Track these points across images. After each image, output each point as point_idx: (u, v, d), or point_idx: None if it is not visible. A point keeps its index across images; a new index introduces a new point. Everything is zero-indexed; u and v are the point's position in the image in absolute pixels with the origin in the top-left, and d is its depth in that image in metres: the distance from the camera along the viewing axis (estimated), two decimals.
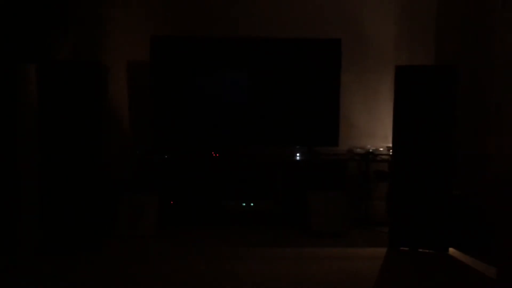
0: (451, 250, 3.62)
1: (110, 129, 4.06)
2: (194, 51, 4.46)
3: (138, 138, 4.60)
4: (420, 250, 3.62)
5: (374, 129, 4.69)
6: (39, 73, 3.51)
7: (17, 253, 3.47)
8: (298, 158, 4.45)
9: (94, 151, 3.57)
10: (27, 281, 3.00)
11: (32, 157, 3.60)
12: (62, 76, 3.52)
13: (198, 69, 4.47)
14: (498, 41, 3.71)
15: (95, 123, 3.57)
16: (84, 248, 3.53)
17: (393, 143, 3.71)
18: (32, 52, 3.86)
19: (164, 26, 4.60)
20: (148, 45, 4.37)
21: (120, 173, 4.33)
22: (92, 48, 4.50)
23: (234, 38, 4.49)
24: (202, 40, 4.47)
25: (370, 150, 4.39)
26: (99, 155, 3.59)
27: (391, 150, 3.95)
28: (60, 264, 3.27)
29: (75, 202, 3.54)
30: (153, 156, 4.34)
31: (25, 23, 3.85)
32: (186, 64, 4.45)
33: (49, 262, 3.31)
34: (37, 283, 2.97)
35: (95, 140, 3.57)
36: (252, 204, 4.31)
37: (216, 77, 4.50)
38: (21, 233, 3.63)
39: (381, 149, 4.41)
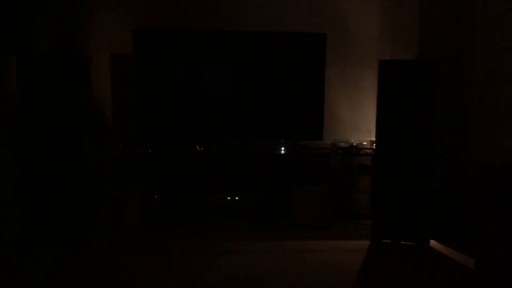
0: (432, 242, 3.68)
1: (93, 122, 4.01)
2: (179, 44, 4.42)
3: (121, 131, 4.55)
4: (402, 242, 3.68)
5: (358, 123, 4.74)
6: (19, 65, 3.43)
7: None
8: (282, 152, 4.46)
9: (76, 145, 3.51)
10: (7, 277, 2.95)
11: (11, 151, 3.53)
12: (43, 68, 3.44)
13: (183, 62, 4.43)
14: (479, 37, 3.78)
15: (77, 116, 3.51)
16: (66, 243, 3.48)
17: (376, 137, 3.74)
18: (12, 43, 3.77)
19: (148, 19, 4.55)
20: (131, 38, 4.31)
21: (103, 167, 4.28)
22: (74, 40, 4.43)
23: (219, 31, 4.46)
24: (186, 33, 4.43)
25: (354, 144, 4.43)
26: (81, 149, 3.54)
27: (374, 144, 3.99)
28: (41, 260, 3.22)
29: (56, 197, 3.49)
30: (137, 149, 4.30)
31: (4, 13, 3.76)
32: (170, 58, 4.40)
33: (30, 257, 3.26)
34: (18, 278, 2.92)
35: (77, 133, 3.52)
36: (237, 198, 4.31)
37: (200, 71, 4.47)
38: (0, 229, 3.56)
39: (365, 143, 4.45)
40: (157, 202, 4.22)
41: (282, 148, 4.47)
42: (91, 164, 3.83)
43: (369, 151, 4.36)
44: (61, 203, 3.50)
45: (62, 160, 3.49)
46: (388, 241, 3.70)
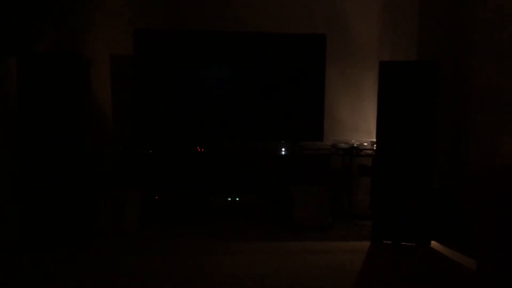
0: (433, 243, 3.67)
1: (93, 123, 4.01)
2: (178, 45, 4.43)
3: (121, 131, 4.55)
4: (403, 243, 3.67)
5: (358, 124, 4.74)
6: (19, 65, 3.44)
7: None
8: (283, 153, 4.46)
9: (76, 146, 3.52)
10: (7, 277, 2.94)
11: (11, 151, 3.53)
12: (43, 68, 3.45)
13: (182, 63, 4.43)
14: (479, 37, 3.77)
15: (77, 116, 3.51)
16: (66, 243, 3.48)
17: (376, 137, 3.74)
18: (12, 43, 3.77)
19: (148, 19, 4.56)
20: (131, 39, 4.31)
21: (103, 168, 4.28)
22: (74, 40, 4.42)
23: (219, 32, 4.46)
24: (186, 34, 4.44)
25: (354, 145, 4.43)
26: (81, 150, 3.54)
27: (374, 145, 3.98)
28: (41, 260, 3.22)
29: (56, 197, 3.49)
30: (137, 150, 4.30)
31: (4, 13, 3.76)
32: (170, 58, 4.41)
33: (29, 259, 3.25)
34: (18, 278, 2.91)
35: (77, 134, 3.52)
36: (237, 199, 4.31)
37: (200, 72, 4.47)
38: (0, 229, 3.56)
39: (365, 143, 4.45)
40: (157, 203, 4.22)
41: (283, 149, 4.47)
42: (91, 164, 3.82)
43: (369, 151, 4.35)
44: (61, 203, 3.50)
45: (62, 160, 3.49)
46: (389, 242, 3.70)
